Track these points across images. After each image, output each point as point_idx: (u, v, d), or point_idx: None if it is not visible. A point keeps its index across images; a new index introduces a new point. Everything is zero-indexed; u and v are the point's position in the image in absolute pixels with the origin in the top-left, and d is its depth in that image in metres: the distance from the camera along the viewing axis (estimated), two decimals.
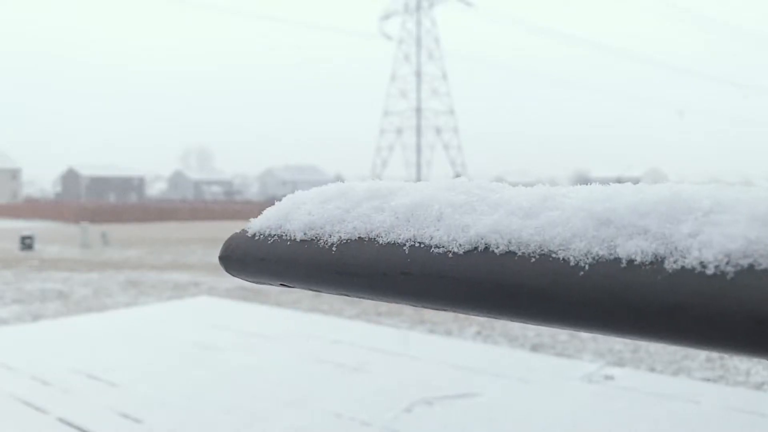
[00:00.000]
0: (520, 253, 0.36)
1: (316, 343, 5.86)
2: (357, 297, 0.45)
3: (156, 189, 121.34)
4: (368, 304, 8.30)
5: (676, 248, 0.32)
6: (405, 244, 0.42)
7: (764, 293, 0.28)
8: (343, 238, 0.45)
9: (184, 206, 52.06)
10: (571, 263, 0.34)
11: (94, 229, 23.43)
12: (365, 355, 5.33)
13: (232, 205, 58.55)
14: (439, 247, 0.40)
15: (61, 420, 3.79)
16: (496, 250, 0.37)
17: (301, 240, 0.48)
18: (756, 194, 0.32)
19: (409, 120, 78.99)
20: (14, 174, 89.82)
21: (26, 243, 18.47)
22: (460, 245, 0.39)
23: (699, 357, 5.70)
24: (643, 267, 0.32)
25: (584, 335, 6.46)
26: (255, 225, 0.52)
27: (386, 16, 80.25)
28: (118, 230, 28.75)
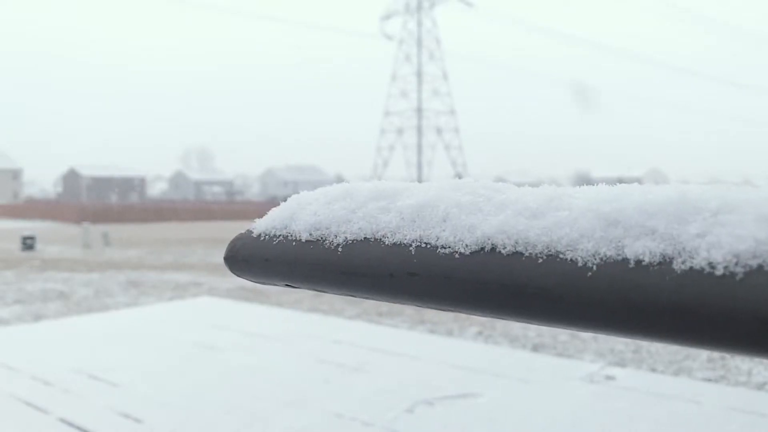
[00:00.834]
0: (527, 254, 0.36)
1: (316, 343, 5.86)
2: (363, 298, 0.45)
3: (157, 189, 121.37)
4: (369, 304, 8.30)
5: (684, 249, 0.31)
6: (411, 245, 0.42)
7: None
8: (348, 238, 0.45)
9: (185, 206, 52.08)
10: (579, 264, 0.34)
11: (95, 230, 23.44)
12: (366, 356, 5.33)
13: (233, 205, 58.57)
14: (445, 248, 0.40)
15: (62, 420, 3.79)
16: (503, 251, 0.37)
17: (306, 240, 0.48)
18: (764, 195, 0.32)
19: (409, 120, 79.03)
20: (15, 174, 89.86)
21: (27, 243, 18.48)
22: (467, 246, 0.39)
23: (700, 357, 5.70)
24: (651, 267, 0.32)
25: (585, 335, 6.46)
26: (260, 225, 0.52)
27: (387, 17, 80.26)
28: (119, 230, 28.77)
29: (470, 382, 4.59)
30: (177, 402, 4.17)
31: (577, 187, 0.40)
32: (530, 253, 0.36)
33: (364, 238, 0.45)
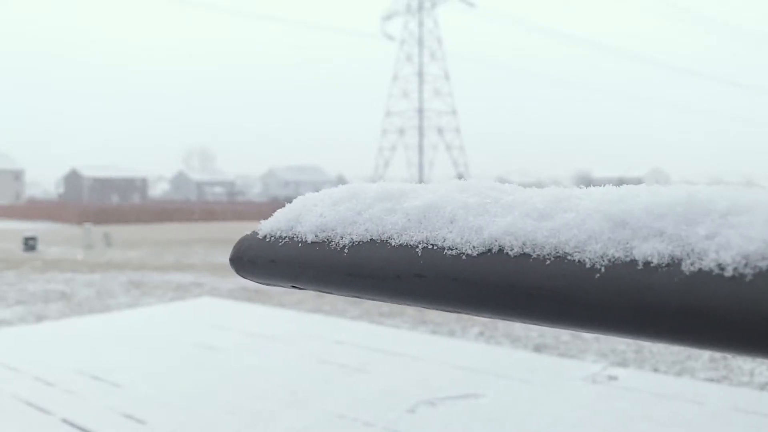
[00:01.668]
0: (534, 255, 0.36)
1: (318, 343, 5.86)
2: (369, 299, 0.45)
3: (158, 190, 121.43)
4: (370, 304, 8.30)
5: (692, 250, 0.31)
6: (418, 246, 0.41)
7: None
8: (354, 239, 0.45)
9: (187, 207, 52.10)
10: (587, 265, 0.34)
11: (97, 230, 23.46)
12: (368, 356, 5.33)
13: (235, 205, 58.58)
14: (452, 249, 0.40)
15: (64, 421, 3.79)
16: (510, 252, 0.37)
17: (312, 242, 0.48)
18: None
19: (411, 120, 79.03)
20: (17, 175, 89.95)
21: (29, 244, 18.50)
22: (474, 247, 0.39)
23: (702, 357, 5.69)
24: (659, 269, 0.32)
25: (586, 336, 6.45)
26: (266, 227, 0.52)
27: (388, 17, 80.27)
28: (120, 231, 28.79)
29: (472, 383, 4.59)
30: (179, 402, 4.18)
31: (584, 188, 0.40)
32: (538, 255, 0.36)
33: (371, 239, 0.45)
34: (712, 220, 0.32)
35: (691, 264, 0.31)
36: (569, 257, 0.35)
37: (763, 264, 0.29)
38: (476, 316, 0.39)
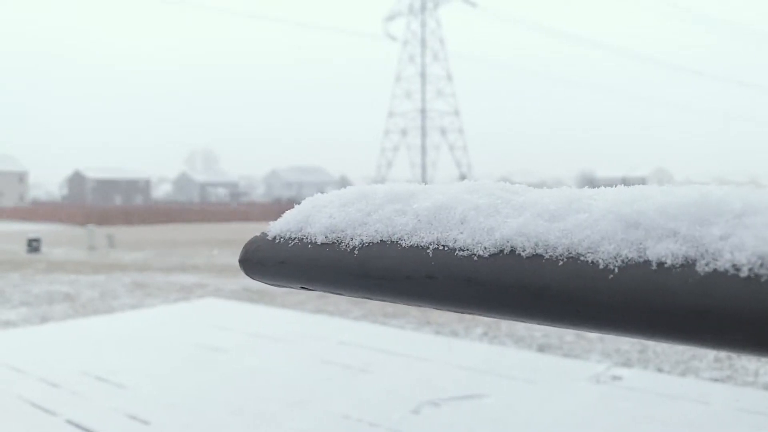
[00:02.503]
0: (547, 256, 0.36)
1: (322, 344, 5.86)
2: (380, 300, 0.45)
3: (162, 191, 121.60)
4: (373, 305, 8.30)
5: (707, 251, 0.31)
6: (428, 247, 0.41)
7: None
8: (365, 241, 0.45)
9: (190, 208, 52.20)
10: (600, 266, 0.34)
11: (101, 232, 23.51)
12: (371, 357, 5.33)
13: (238, 206, 58.66)
14: (463, 250, 0.40)
15: (69, 422, 3.80)
16: (522, 253, 0.37)
17: (322, 243, 0.48)
18: None
19: (413, 121, 79.04)
20: (21, 177, 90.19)
21: (33, 245, 18.55)
22: (485, 248, 0.39)
23: (707, 357, 5.68)
24: (674, 270, 0.31)
25: (590, 335, 6.44)
26: (275, 228, 0.52)
27: (391, 17, 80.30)
28: (124, 232, 28.85)
29: (476, 383, 4.59)
30: (183, 403, 4.18)
31: (596, 188, 0.40)
32: (550, 256, 0.36)
33: (381, 240, 0.44)
34: (726, 220, 0.32)
35: (706, 265, 0.31)
36: (582, 258, 0.35)
37: None
38: (488, 317, 0.39)
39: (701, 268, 0.31)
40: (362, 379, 4.72)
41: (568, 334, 6.57)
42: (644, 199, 0.35)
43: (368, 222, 0.46)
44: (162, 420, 3.87)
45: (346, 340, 5.96)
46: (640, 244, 0.34)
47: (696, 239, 0.32)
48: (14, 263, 15.18)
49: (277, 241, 0.51)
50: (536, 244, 0.37)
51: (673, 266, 0.32)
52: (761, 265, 0.29)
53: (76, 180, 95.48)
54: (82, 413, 3.97)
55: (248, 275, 0.53)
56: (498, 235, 0.39)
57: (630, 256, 0.33)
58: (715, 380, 5.02)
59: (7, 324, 7.42)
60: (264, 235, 0.53)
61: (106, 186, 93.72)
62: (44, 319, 7.74)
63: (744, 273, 0.29)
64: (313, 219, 0.50)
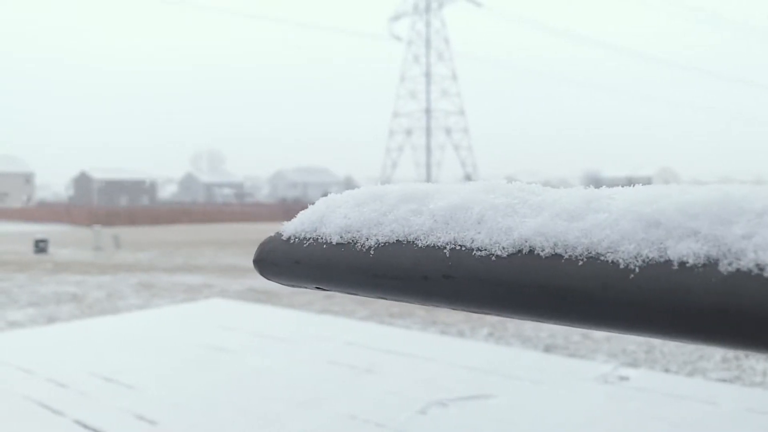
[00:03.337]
0: (566, 256, 0.36)
1: (328, 344, 5.87)
2: (395, 300, 0.44)
3: (167, 192, 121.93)
4: (379, 305, 8.30)
5: (729, 250, 0.31)
6: (445, 247, 0.41)
7: None
8: (380, 241, 0.45)
9: (196, 209, 52.33)
10: (621, 266, 0.34)
11: (107, 232, 23.59)
12: (378, 357, 5.33)
13: (243, 207, 58.77)
14: (481, 250, 0.39)
15: (77, 422, 3.82)
16: (541, 253, 0.37)
17: (337, 243, 0.48)
18: None
19: (418, 121, 79.00)
20: (28, 178, 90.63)
21: (40, 246, 18.64)
22: (504, 248, 0.39)
23: (714, 357, 5.65)
24: (696, 269, 0.31)
25: (597, 335, 6.43)
26: (289, 228, 0.52)
27: (396, 17, 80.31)
28: (130, 233, 28.95)
29: (482, 384, 4.58)
30: (190, 404, 4.19)
31: (615, 188, 0.40)
32: (570, 255, 0.36)
33: (397, 240, 0.44)
34: (748, 219, 0.32)
35: (729, 264, 0.31)
36: (602, 258, 0.35)
37: None
38: (507, 317, 0.39)
39: (724, 267, 0.31)
40: (369, 379, 4.72)
41: (574, 335, 6.55)
42: (664, 198, 0.35)
43: (384, 222, 0.46)
44: (169, 420, 3.89)
45: (352, 341, 5.96)
46: (661, 243, 0.33)
47: (718, 238, 0.32)
48: (21, 264, 15.25)
49: (291, 241, 0.51)
50: (555, 244, 0.37)
51: (695, 266, 0.31)
52: None
53: (83, 181, 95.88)
54: (89, 413, 3.98)
55: (263, 275, 0.53)
56: (516, 234, 0.39)
57: (651, 255, 0.33)
58: (723, 381, 5.00)
59: (15, 324, 7.46)
60: (278, 235, 0.53)
61: (112, 187, 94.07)
62: (51, 320, 7.77)
63: None
64: (327, 219, 0.50)
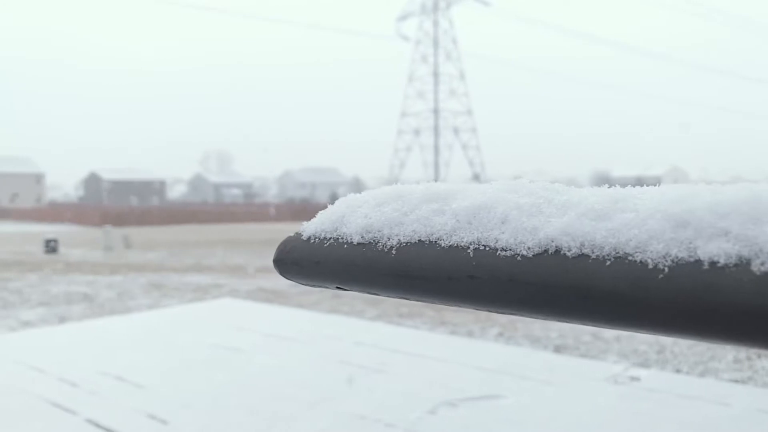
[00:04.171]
0: (594, 256, 0.36)
1: (338, 344, 5.87)
2: (418, 300, 0.44)
3: (176, 192, 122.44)
4: (388, 305, 8.30)
5: (761, 250, 0.31)
6: (469, 248, 0.41)
7: None
8: (402, 241, 0.45)
9: (205, 209, 52.53)
10: (650, 266, 0.33)
11: (117, 233, 23.72)
12: (387, 357, 5.33)
13: (252, 207, 58.91)
14: (506, 250, 0.39)
15: (89, 421, 3.84)
16: (568, 253, 0.37)
17: (358, 243, 0.48)
18: None
19: (426, 121, 78.94)
20: (38, 178, 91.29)
21: (50, 246, 18.77)
22: (529, 248, 0.38)
23: (726, 358, 5.61)
24: (727, 269, 0.31)
25: (607, 335, 6.40)
26: (309, 228, 0.52)
27: (403, 17, 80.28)
28: (139, 233, 29.09)
29: (493, 384, 4.57)
30: (201, 403, 4.21)
31: (641, 187, 0.40)
32: (597, 255, 0.35)
33: (419, 240, 0.44)
34: None
35: (761, 264, 0.30)
36: (630, 257, 0.34)
37: None
38: (532, 317, 0.39)
39: (756, 267, 0.30)
40: (378, 379, 4.72)
41: (584, 335, 6.52)
42: (693, 198, 0.35)
43: (405, 222, 0.46)
44: (180, 419, 3.90)
45: (362, 341, 5.96)
46: (690, 243, 0.33)
47: (749, 238, 0.32)
48: (32, 264, 15.36)
49: (312, 241, 0.51)
50: (582, 244, 0.36)
51: (726, 266, 0.31)
52: None
53: (92, 181, 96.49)
54: (101, 412, 4.00)
55: (283, 275, 0.53)
56: (542, 234, 0.38)
57: (680, 255, 0.33)
58: (735, 381, 4.96)
59: (26, 324, 7.52)
60: (298, 235, 0.53)
61: (122, 187, 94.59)
62: (62, 319, 7.82)
63: None
64: (348, 219, 0.50)
